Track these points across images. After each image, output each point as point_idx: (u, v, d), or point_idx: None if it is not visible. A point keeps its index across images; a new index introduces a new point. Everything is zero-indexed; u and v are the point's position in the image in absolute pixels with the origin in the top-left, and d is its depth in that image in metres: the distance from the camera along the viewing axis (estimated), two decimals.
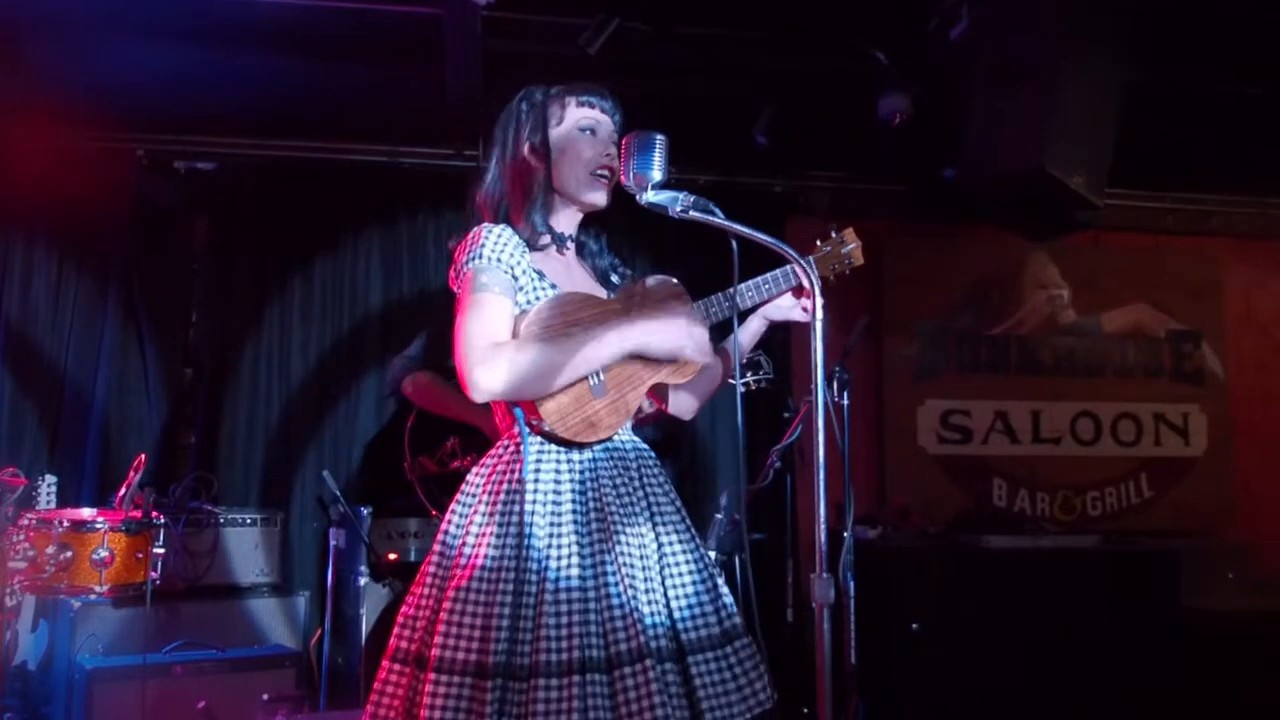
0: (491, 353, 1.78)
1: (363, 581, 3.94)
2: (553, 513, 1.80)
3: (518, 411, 1.85)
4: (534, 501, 1.80)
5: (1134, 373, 5.31)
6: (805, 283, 1.81)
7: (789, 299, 2.09)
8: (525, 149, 1.98)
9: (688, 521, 1.94)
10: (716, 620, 1.85)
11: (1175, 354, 5.37)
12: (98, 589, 2.34)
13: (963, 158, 3.36)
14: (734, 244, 1.88)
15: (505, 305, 1.84)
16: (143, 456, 2.53)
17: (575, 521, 1.80)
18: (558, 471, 1.83)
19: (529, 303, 1.88)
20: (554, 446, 1.85)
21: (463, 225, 2.03)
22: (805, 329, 1.80)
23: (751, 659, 1.85)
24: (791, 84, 4.17)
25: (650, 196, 1.87)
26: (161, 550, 2.49)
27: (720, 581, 1.91)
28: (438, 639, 1.72)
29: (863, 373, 5.05)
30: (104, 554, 2.33)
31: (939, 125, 3.80)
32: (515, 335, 1.85)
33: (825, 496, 1.71)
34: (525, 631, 1.71)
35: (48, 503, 4.02)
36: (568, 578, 1.75)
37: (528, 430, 1.84)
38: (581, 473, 1.85)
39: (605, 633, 1.73)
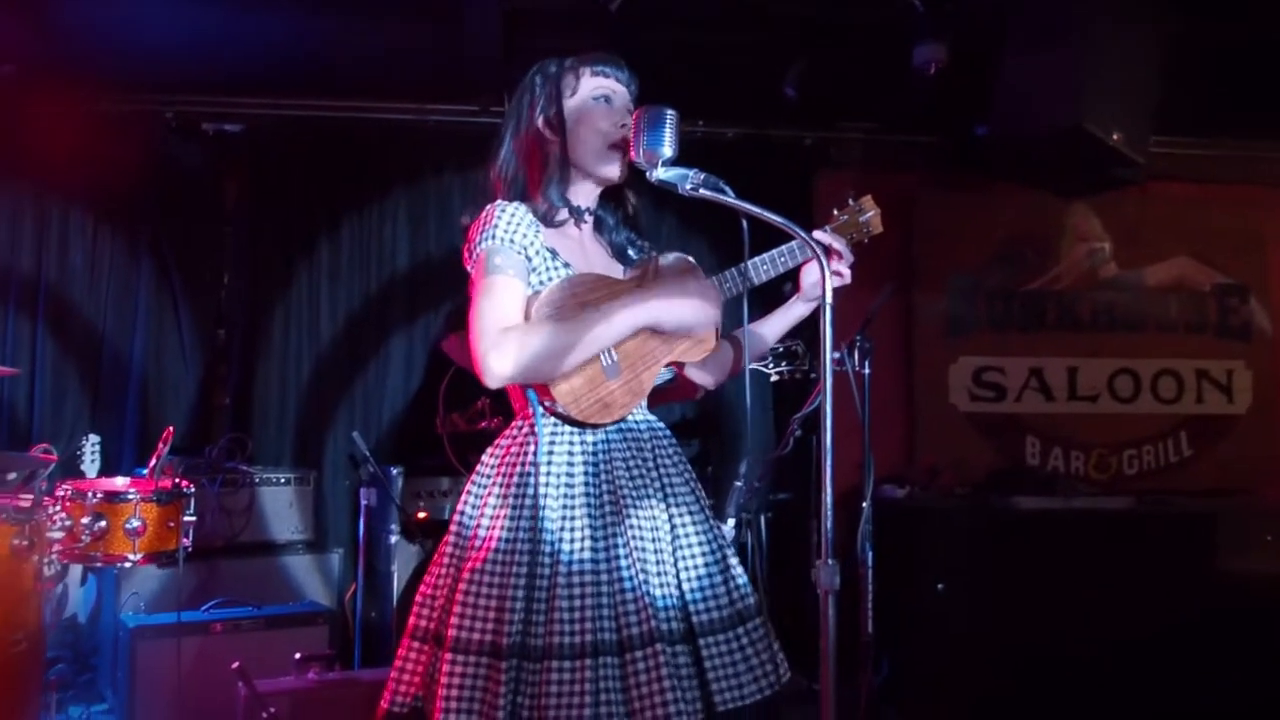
0: (502, 337, 1.76)
1: (394, 539, 4.02)
2: (565, 495, 1.79)
3: (531, 393, 1.85)
4: (547, 484, 1.79)
5: (1176, 328, 5.19)
6: (818, 259, 1.76)
7: (816, 272, 2.04)
8: (540, 122, 1.93)
9: (702, 501, 1.92)
10: (728, 601, 1.84)
11: (1221, 308, 5.24)
12: (132, 557, 2.41)
13: (995, 114, 3.26)
14: (744, 223, 1.84)
15: (518, 287, 1.82)
16: (170, 429, 2.57)
17: (588, 503, 1.79)
18: (571, 453, 1.82)
19: (542, 283, 1.86)
20: (568, 427, 1.84)
21: (484, 190, 2.00)
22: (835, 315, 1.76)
23: (764, 640, 1.85)
24: (823, 33, 4.07)
25: (660, 173, 1.84)
26: (193, 518, 2.54)
27: (734, 561, 1.90)
28: (454, 619, 1.73)
29: (893, 330, 5.01)
30: (136, 523, 2.39)
31: (974, 77, 3.70)
32: (528, 317, 1.83)
33: (832, 478, 1.69)
34: (539, 613, 1.72)
35: (92, 461, 4.14)
36: (580, 560, 1.75)
37: (541, 411, 1.84)
38: (595, 454, 1.83)
39: (617, 615, 1.73)
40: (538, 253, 1.86)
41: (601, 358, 1.85)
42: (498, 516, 1.79)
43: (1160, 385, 5.14)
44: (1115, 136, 2.90)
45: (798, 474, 4.51)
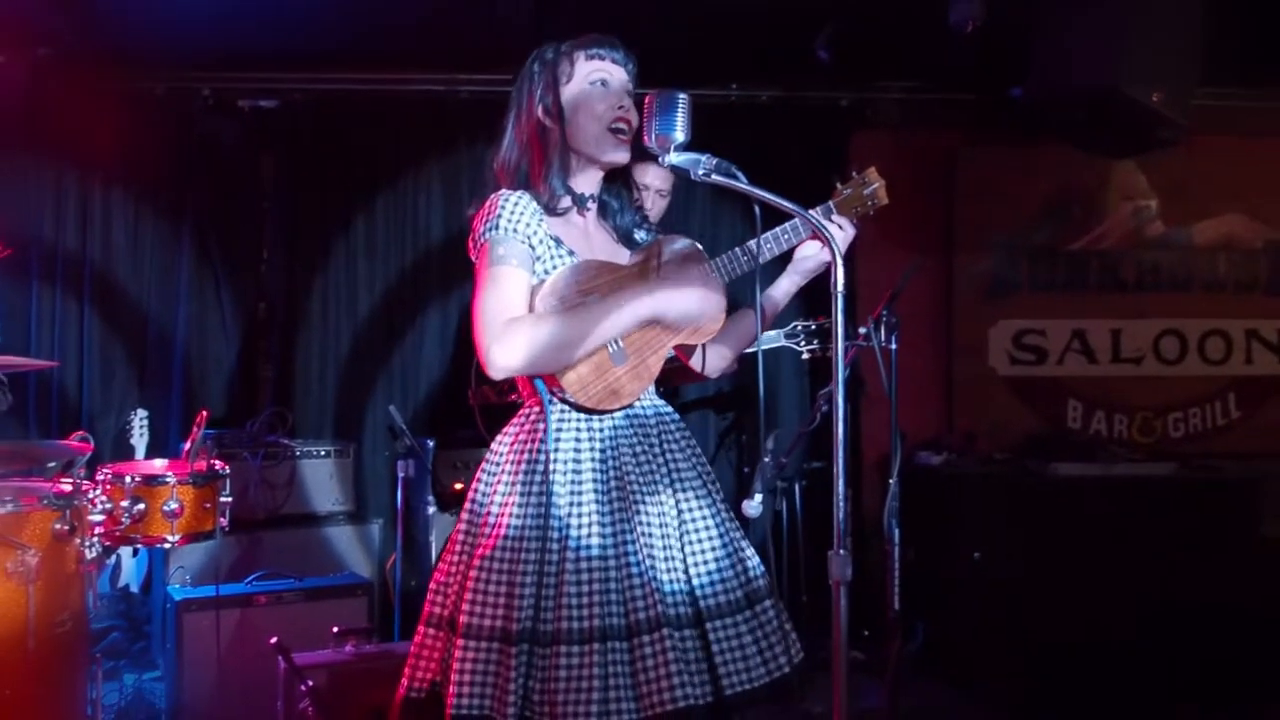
0: (507, 329, 1.77)
1: (431, 510, 4.09)
2: (573, 481, 1.81)
3: (539, 381, 1.86)
4: (554, 471, 1.80)
5: (1225, 287, 5.05)
6: (823, 240, 1.77)
7: (814, 247, 2.02)
8: (539, 110, 1.92)
9: (710, 485, 1.94)
10: (738, 584, 1.86)
11: (1272, 266, 5.08)
12: (170, 538, 2.48)
13: (1031, 76, 3.17)
14: (756, 208, 1.83)
15: (522, 278, 1.82)
16: (205, 412, 2.62)
17: (596, 490, 1.81)
18: (578, 440, 1.84)
19: (546, 272, 1.86)
20: (576, 414, 1.85)
21: (487, 180, 2.01)
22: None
23: (773, 622, 1.86)
24: None
25: (673, 158, 1.82)
26: (228, 499, 2.60)
27: (744, 544, 1.92)
28: (465, 605, 1.76)
29: (931, 293, 4.94)
30: (174, 505, 2.46)
31: (1012, 36, 3.60)
32: (532, 308, 1.84)
33: (845, 471, 1.69)
34: (548, 599, 1.74)
35: (140, 435, 4.26)
36: (588, 546, 1.77)
37: (550, 399, 1.85)
38: (602, 441, 1.85)
39: (625, 600, 1.75)
40: (541, 241, 1.86)
41: (608, 345, 1.86)
42: (507, 503, 1.82)
43: (1208, 346, 5.03)
44: (1154, 98, 2.81)
45: (831, 443, 4.49)
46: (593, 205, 1.99)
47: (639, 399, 1.91)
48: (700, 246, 2.01)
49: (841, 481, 1.69)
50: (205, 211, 4.56)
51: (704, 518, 1.89)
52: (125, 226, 4.53)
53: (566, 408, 1.85)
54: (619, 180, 2.04)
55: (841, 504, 1.69)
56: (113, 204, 4.52)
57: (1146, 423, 5.02)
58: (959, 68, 4.44)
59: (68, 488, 2.29)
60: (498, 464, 1.89)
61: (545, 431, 1.83)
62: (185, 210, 4.56)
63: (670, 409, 1.99)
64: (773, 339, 3.26)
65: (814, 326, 3.21)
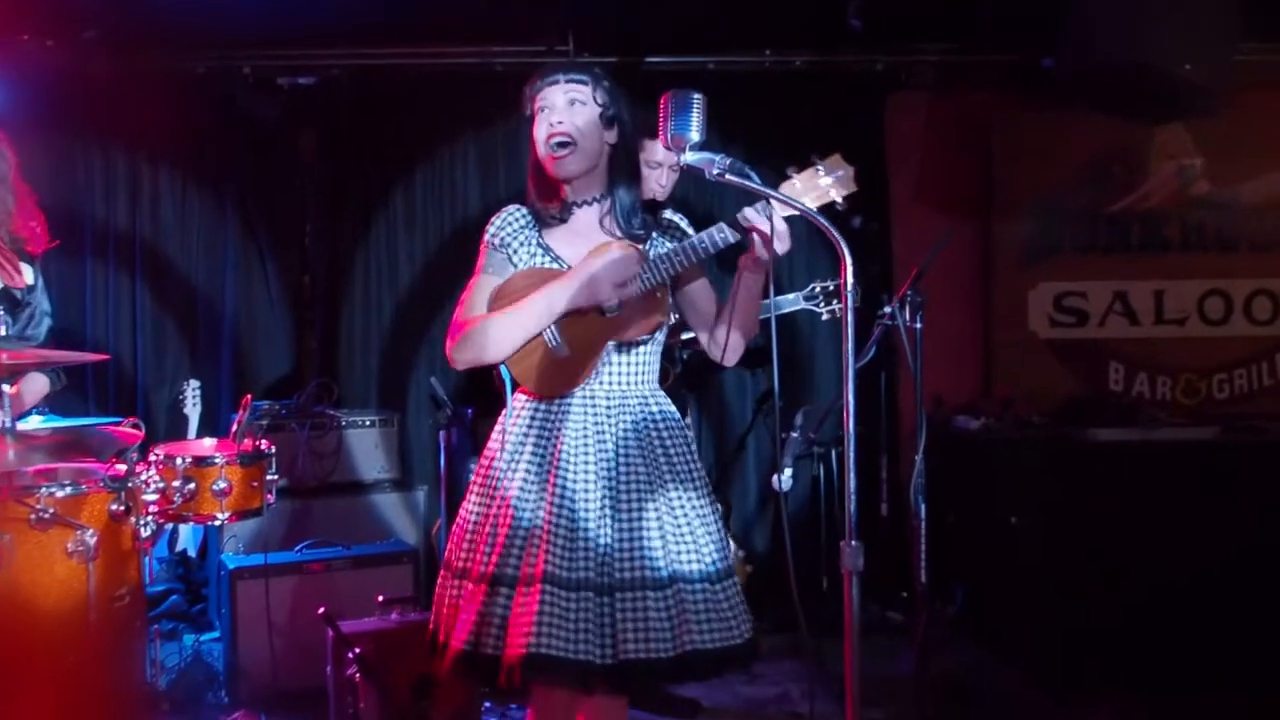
0: (460, 329, 2.11)
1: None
2: (516, 455, 2.09)
3: (504, 371, 2.13)
4: (506, 445, 2.11)
5: (1272, 246, 4.93)
6: (764, 238, 1.95)
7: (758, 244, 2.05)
8: (530, 143, 2.18)
9: (668, 466, 2.09)
10: (658, 563, 2.01)
11: None
12: (220, 515, 2.58)
13: (1061, 47, 3.12)
14: (771, 205, 1.86)
15: (493, 283, 2.14)
16: (249, 396, 2.73)
17: (531, 463, 2.07)
18: (532, 420, 2.11)
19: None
20: (530, 399, 2.13)
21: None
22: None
23: (671, 608, 1.99)
24: None
25: (688, 158, 1.87)
26: (274, 477, 2.71)
27: (688, 527, 2.06)
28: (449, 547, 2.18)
29: (971, 256, 4.91)
30: (223, 485, 2.56)
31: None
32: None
33: (855, 464, 1.74)
34: (471, 540, 2.10)
35: (194, 405, 4.41)
36: (517, 507, 2.04)
37: (510, 386, 2.14)
38: (545, 420, 2.10)
39: (530, 556, 2.00)
40: (524, 249, 2.14)
41: (548, 339, 2.10)
42: (478, 470, 2.17)
43: (1254, 306, 4.93)
44: (1186, 68, 2.75)
45: (870, 410, 4.54)
46: (587, 208, 2.16)
47: (592, 385, 2.10)
48: (640, 249, 2.11)
49: (853, 475, 1.74)
50: (249, 187, 4.67)
51: (639, 500, 2.05)
52: (173, 204, 4.66)
53: (527, 398, 2.13)
54: (628, 179, 2.17)
55: (853, 496, 1.74)
56: (160, 182, 4.65)
57: (1190, 384, 4.96)
58: (996, 29, 4.36)
59: (122, 470, 2.41)
60: (489, 440, 2.18)
61: (508, 416, 2.15)
62: (229, 187, 4.68)
63: (641, 396, 2.14)
64: (792, 302, 3.28)
65: (832, 287, 3.21)
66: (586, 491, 2.03)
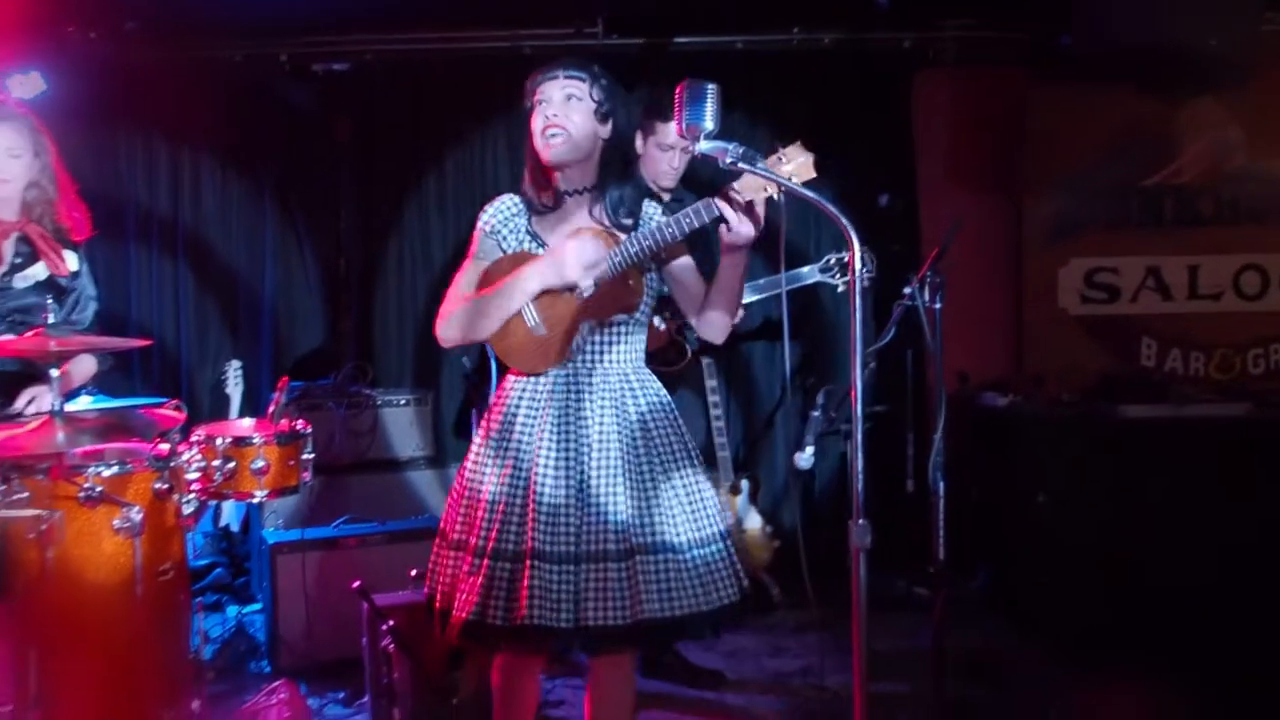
0: (446, 310, 2.27)
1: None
2: (504, 431, 2.22)
3: (489, 352, 2.31)
4: (493, 422, 2.26)
5: None
6: (727, 214, 2.04)
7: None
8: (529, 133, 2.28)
9: (642, 441, 2.20)
10: (623, 533, 2.13)
11: None
12: (259, 493, 2.68)
13: (1077, 24, 3.09)
14: (780, 196, 1.91)
15: (481, 268, 2.26)
16: (286, 378, 2.83)
17: (518, 435, 2.20)
18: (519, 397, 2.24)
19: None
20: (515, 377, 2.27)
21: None
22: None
23: (635, 577, 2.10)
24: None
25: (702, 146, 1.93)
26: (310, 456, 2.80)
27: (649, 492, 2.18)
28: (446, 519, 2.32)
29: (1000, 232, 4.89)
30: (261, 464, 2.65)
31: None
32: None
33: (864, 446, 1.78)
34: (465, 515, 2.23)
35: (236, 384, 4.55)
36: (510, 485, 2.17)
37: (495, 364, 2.32)
38: (531, 396, 2.23)
39: (523, 531, 2.13)
40: (514, 236, 2.27)
41: (527, 319, 2.22)
42: (470, 447, 2.31)
43: None
44: (1212, 40, 2.73)
45: (896, 387, 4.56)
46: (577, 198, 2.27)
47: (575, 364, 2.22)
48: (610, 235, 2.22)
49: (861, 456, 1.79)
50: (286, 173, 4.79)
51: (608, 473, 2.16)
52: (213, 190, 4.79)
53: (515, 377, 2.27)
54: (618, 174, 2.27)
55: (860, 476, 1.79)
56: (201, 169, 4.78)
57: (1225, 359, 4.91)
58: (1016, 5, 4.33)
59: (166, 450, 2.52)
60: (485, 417, 2.31)
61: (489, 391, 2.34)
62: (267, 172, 4.79)
63: (623, 374, 2.25)
64: (808, 274, 3.30)
65: (847, 259, 3.22)
66: (567, 467, 2.16)
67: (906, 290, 2.82)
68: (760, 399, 4.96)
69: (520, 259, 2.24)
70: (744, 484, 4.37)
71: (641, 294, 2.24)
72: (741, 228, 2.05)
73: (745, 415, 4.97)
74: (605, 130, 2.23)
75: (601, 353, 2.24)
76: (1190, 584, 3.79)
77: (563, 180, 2.26)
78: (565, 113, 2.18)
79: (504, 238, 2.27)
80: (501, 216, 2.29)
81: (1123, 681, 3.28)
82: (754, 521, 4.38)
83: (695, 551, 2.18)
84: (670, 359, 3.33)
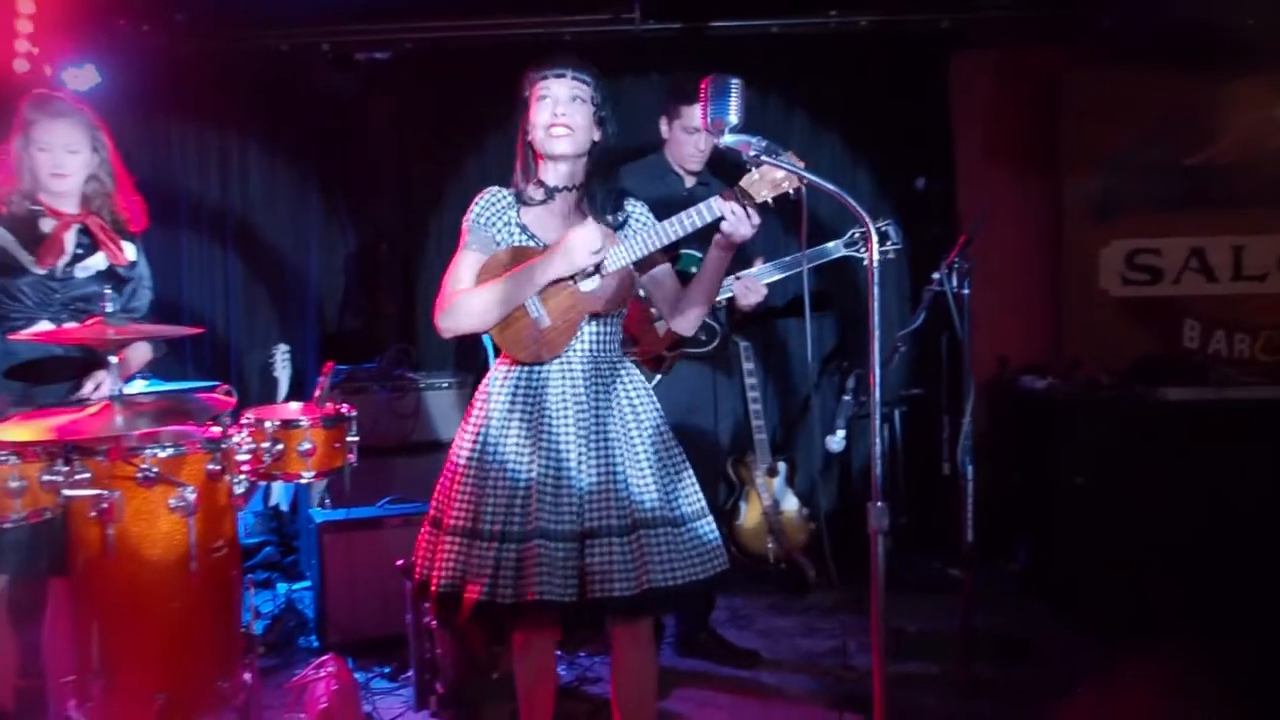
0: (448, 300, 2.32)
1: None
2: (505, 421, 2.31)
3: (487, 341, 2.35)
4: (493, 411, 2.33)
5: None
6: (726, 214, 2.17)
7: (730, 224, 2.26)
8: (521, 124, 2.40)
9: (634, 423, 2.34)
10: (630, 510, 2.26)
11: None
12: (306, 474, 2.77)
13: (1117, 2, 3.07)
14: (802, 189, 1.95)
15: (478, 260, 2.34)
16: (330, 364, 2.92)
17: (521, 426, 2.30)
18: (516, 387, 2.34)
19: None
20: (517, 368, 2.34)
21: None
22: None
23: (649, 546, 2.24)
24: None
25: (726, 139, 1.98)
26: (355, 439, 2.89)
27: (644, 477, 2.30)
28: (433, 502, 2.44)
29: (1038, 214, 4.87)
30: (308, 446, 2.74)
31: None
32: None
33: (881, 428, 1.82)
34: (480, 506, 2.29)
35: (284, 367, 4.68)
36: (512, 467, 2.28)
37: (494, 354, 2.38)
38: (530, 386, 2.33)
39: (528, 512, 2.23)
40: (505, 228, 2.35)
41: (530, 310, 2.31)
42: (464, 434, 2.39)
43: None
44: (1250, 20, 2.70)
45: (932, 370, 4.57)
46: (566, 194, 2.37)
47: (572, 352, 2.32)
48: (608, 229, 2.33)
49: (878, 439, 1.83)
50: (329, 160, 4.89)
51: (610, 453, 2.29)
52: (260, 178, 4.91)
53: (510, 364, 2.35)
54: (603, 174, 2.39)
55: (878, 460, 1.83)
56: (248, 157, 4.90)
57: (1270, 340, 4.85)
58: None
59: (217, 432, 2.62)
60: (470, 405, 2.40)
61: (492, 381, 2.37)
62: (312, 159, 4.90)
63: (615, 360, 2.38)
64: (833, 249, 3.31)
65: (863, 230, 3.21)
66: (568, 449, 2.27)
67: (935, 276, 2.84)
68: (796, 381, 4.99)
69: (521, 253, 2.32)
70: (781, 466, 4.42)
71: (636, 288, 2.39)
72: (741, 228, 2.19)
73: (781, 397, 5.01)
74: (597, 134, 2.36)
75: (595, 342, 2.36)
76: (1228, 568, 3.78)
77: (554, 176, 2.36)
78: (570, 110, 2.29)
79: (498, 230, 2.36)
80: (494, 209, 2.38)
81: (1153, 664, 3.29)
82: (791, 503, 4.43)
83: (690, 525, 2.33)
84: (699, 340, 3.38)
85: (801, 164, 2.01)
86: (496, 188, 2.41)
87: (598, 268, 2.31)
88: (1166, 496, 3.88)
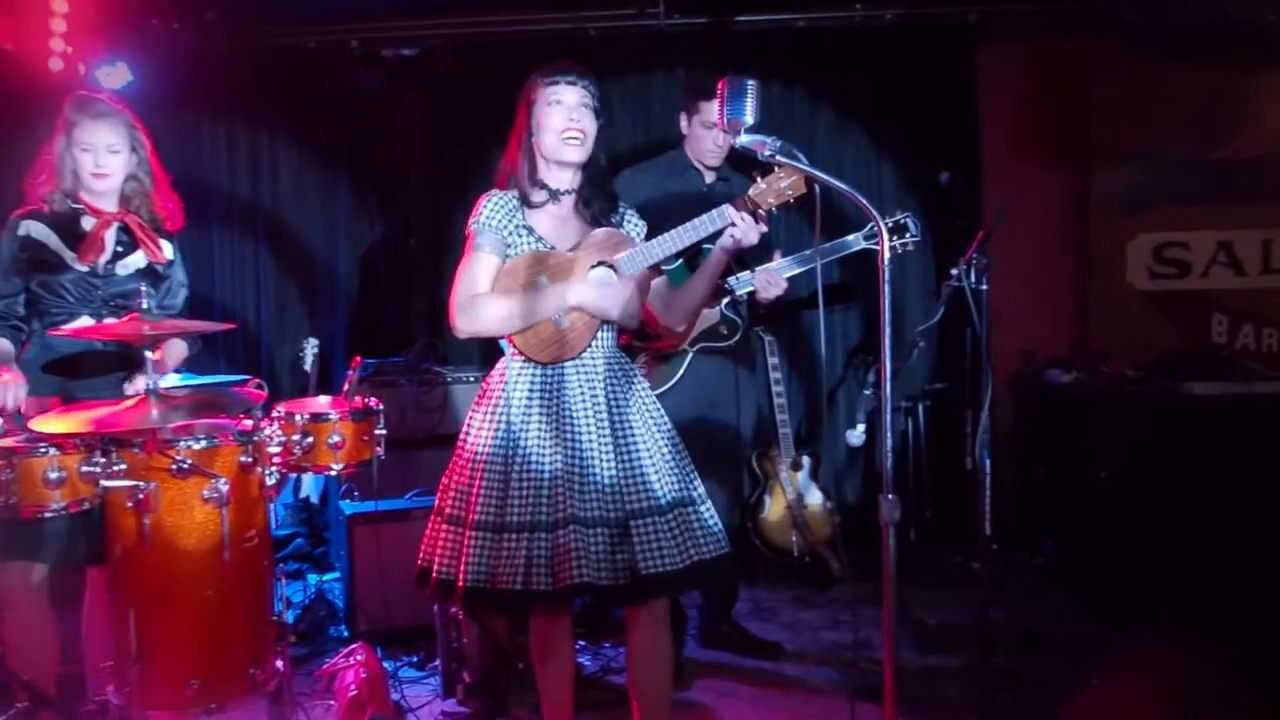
0: (470, 302, 2.39)
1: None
2: (525, 416, 2.38)
3: (502, 341, 2.45)
4: (512, 408, 2.40)
5: None
6: (737, 221, 2.30)
7: (738, 230, 2.39)
8: (522, 127, 2.46)
9: (647, 417, 2.45)
10: (657, 493, 2.37)
11: None
12: (335, 466, 2.84)
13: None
14: (816, 189, 1.98)
15: (492, 261, 2.40)
16: (359, 358, 2.98)
17: (541, 422, 2.37)
18: (531, 385, 2.41)
19: (517, 254, 2.41)
20: (530, 365, 2.42)
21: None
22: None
23: (686, 524, 2.38)
24: None
25: (742, 140, 2.01)
26: (383, 432, 2.95)
27: (666, 462, 2.42)
28: (448, 500, 2.48)
29: (1066, 207, 4.85)
30: (337, 439, 2.81)
31: None
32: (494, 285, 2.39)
33: (892, 423, 1.85)
34: (506, 499, 2.34)
35: (313, 363, 4.74)
36: (536, 462, 2.35)
37: (510, 353, 2.45)
38: (547, 384, 2.40)
39: (556, 502, 2.31)
40: (514, 230, 2.42)
41: (554, 316, 2.39)
42: (480, 430, 2.45)
43: None
44: (1270, 17, 2.69)
45: (956, 364, 4.56)
46: (561, 199, 2.45)
47: (586, 352, 2.41)
48: (624, 234, 2.45)
49: (890, 434, 1.85)
50: (358, 156, 4.96)
51: (634, 442, 2.40)
52: (290, 174, 4.98)
53: (525, 360, 2.41)
54: (599, 178, 2.49)
55: (889, 454, 1.86)
56: (278, 153, 4.98)
57: None
58: None
59: (249, 425, 2.69)
60: (479, 402, 2.47)
61: (508, 379, 2.44)
62: (340, 155, 4.97)
63: (622, 359, 2.49)
64: (853, 242, 3.32)
65: (890, 224, 3.20)
66: (590, 442, 2.36)
67: (954, 271, 2.85)
68: (820, 377, 5.01)
69: (541, 258, 2.40)
70: (805, 460, 4.44)
71: (647, 294, 2.49)
72: (750, 234, 2.30)
73: (806, 391, 5.03)
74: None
75: (605, 342, 2.47)
76: (1253, 562, 3.76)
77: (557, 179, 2.44)
78: (582, 117, 2.39)
79: (508, 232, 2.43)
80: (502, 212, 2.44)
81: (1175, 659, 3.29)
82: (815, 497, 4.45)
83: (703, 506, 2.45)
84: (721, 334, 3.41)
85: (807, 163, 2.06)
86: (499, 191, 2.48)
87: (615, 272, 2.38)
88: (1192, 491, 3.87)
